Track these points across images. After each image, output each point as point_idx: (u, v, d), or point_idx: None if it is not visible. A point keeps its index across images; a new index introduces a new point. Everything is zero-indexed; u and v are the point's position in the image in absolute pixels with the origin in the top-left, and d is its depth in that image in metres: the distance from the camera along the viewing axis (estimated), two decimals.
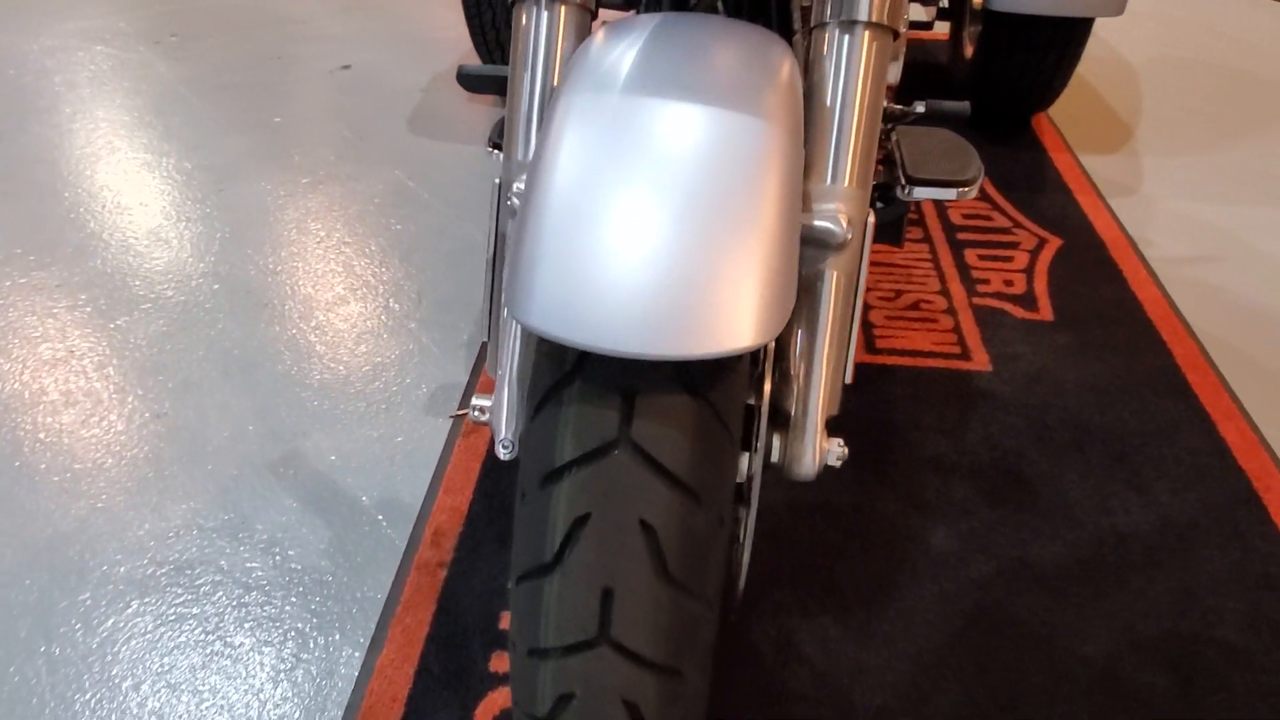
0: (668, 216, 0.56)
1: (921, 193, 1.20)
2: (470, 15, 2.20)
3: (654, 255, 0.54)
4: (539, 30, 0.83)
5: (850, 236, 0.80)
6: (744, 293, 0.55)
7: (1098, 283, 1.72)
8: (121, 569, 1.16)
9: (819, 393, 0.81)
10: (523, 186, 0.82)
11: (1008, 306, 1.65)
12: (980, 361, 1.52)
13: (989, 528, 1.23)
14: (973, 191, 1.31)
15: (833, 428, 0.84)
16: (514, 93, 0.84)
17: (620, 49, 0.71)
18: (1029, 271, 1.75)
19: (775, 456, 0.81)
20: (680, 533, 0.54)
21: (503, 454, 0.83)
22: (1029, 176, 2.07)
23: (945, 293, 1.68)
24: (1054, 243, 1.83)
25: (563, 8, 0.82)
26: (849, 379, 0.86)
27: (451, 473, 1.30)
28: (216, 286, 1.69)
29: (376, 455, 1.33)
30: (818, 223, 0.78)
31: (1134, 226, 1.90)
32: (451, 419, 1.40)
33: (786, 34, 1.08)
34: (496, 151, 1.36)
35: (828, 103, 0.81)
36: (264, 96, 2.39)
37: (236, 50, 2.66)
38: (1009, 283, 1.71)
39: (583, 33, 0.84)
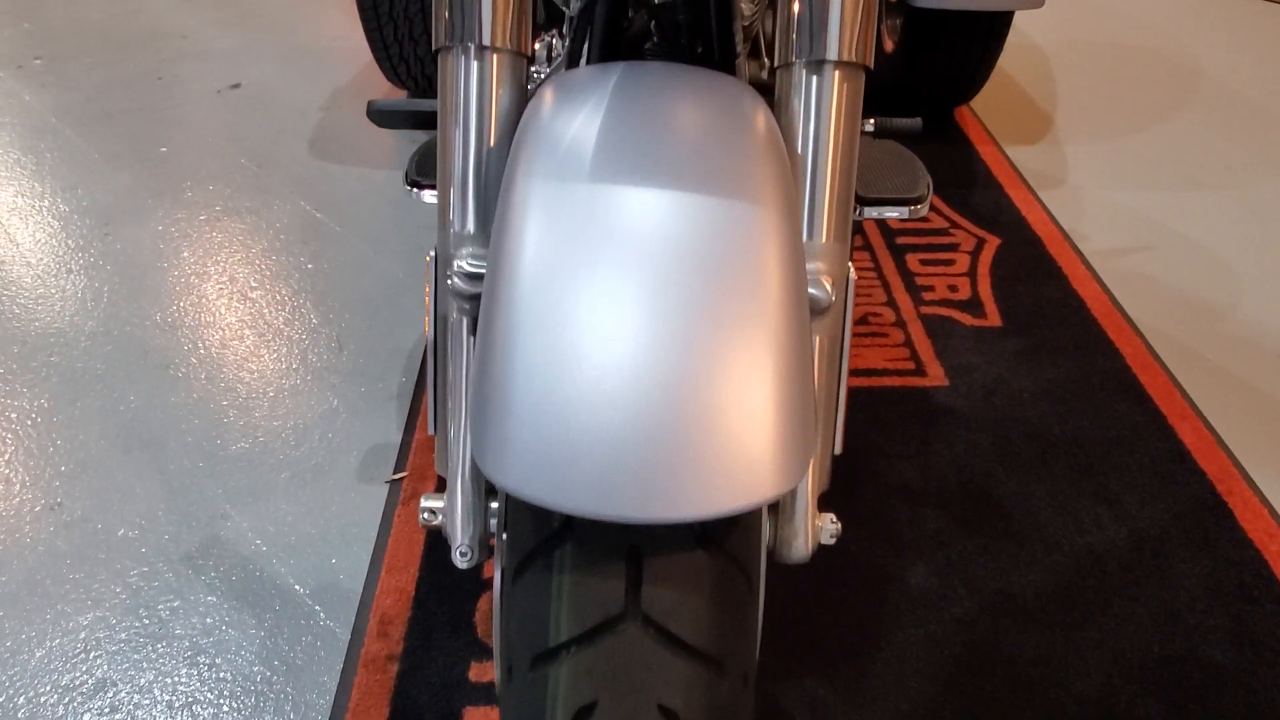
0: (665, 346, 0.46)
1: (870, 212, 1.14)
2: (370, 29, 2.05)
3: (652, 395, 0.45)
4: (469, 81, 0.72)
5: (834, 299, 0.72)
6: (763, 431, 0.46)
7: (1039, 282, 1.70)
8: (20, 702, 1.02)
9: (809, 470, 0.74)
10: (465, 267, 0.72)
11: (956, 314, 1.61)
12: (936, 376, 1.48)
13: (966, 559, 1.19)
14: (924, 209, 1.25)
15: (823, 502, 0.77)
16: (445, 153, 0.73)
17: (579, 117, 0.61)
18: (972, 275, 1.71)
19: (766, 541, 0.74)
20: (704, 708, 0.46)
21: (461, 563, 0.73)
22: (959, 173, 2.05)
23: (892, 304, 1.64)
24: (993, 242, 1.81)
25: (495, 56, 0.72)
26: (838, 449, 0.79)
27: (394, 548, 1.19)
28: (109, 348, 1.52)
29: (307, 534, 1.21)
30: None
31: (1067, 220, 1.89)
32: (387, 484, 1.29)
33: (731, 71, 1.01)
34: (416, 190, 1.25)
35: (799, 150, 0.73)
36: (147, 124, 2.20)
37: (112, 72, 2.44)
38: (954, 288, 1.68)
39: (518, 81, 0.74)
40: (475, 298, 0.72)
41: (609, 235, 0.50)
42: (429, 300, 0.78)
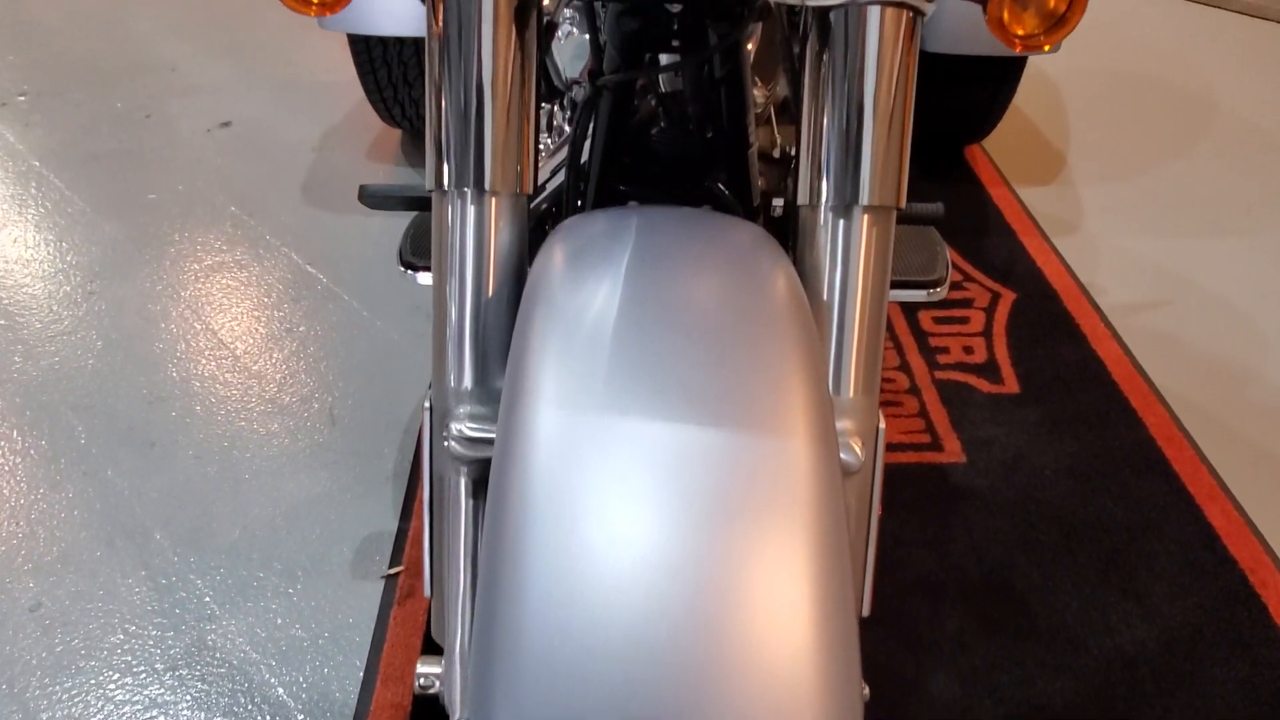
0: (697, 593, 0.43)
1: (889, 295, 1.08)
2: (364, 72, 1.99)
3: (681, 643, 0.41)
4: (467, 227, 0.66)
5: (863, 460, 0.67)
6: (805, 692, 0.42)
7: (1058, 342, 1.64)
8: None
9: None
10: (465, 431, 0.66)
11: (972, 379, 1.56)
12: (953, 450, 1.42)
13: (991, 665, 1.13)
14: (943, 292, 1.20)
15: None
16: (440, 302, 0.68)
17: (593, 287, 0.56)
18: (987, 334, 1.66)
19: None
20: None
21: None
22: (972, 218, 1.99)
23: (906, 368, 1.58)
24: (1008, 297, 1.75)
25: (495, 199, 0.66)
26: (866, 611, 0.73)
27: (389, 655, 1.13)
28: (93, 423, 1.46)
29: (298, 639, 1.16)
30: None
31: (1084, 271, 1.83)
32: (383, 579, 1.23)
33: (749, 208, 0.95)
34: (410, 272, 1.19)
35: (823, 297, 0.67)
36: (134, 167, 2.13)
37: (99, 109, 2.37)
38: (969, 350, 1.62)
39: (519, 222, 0.68)
40: (475, 462, 0.67)
41: (628, 439, 0.47)
42: (424, 451, 0.72)
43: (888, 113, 0.64)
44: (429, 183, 0.67)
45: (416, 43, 1.93)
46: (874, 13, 0.63)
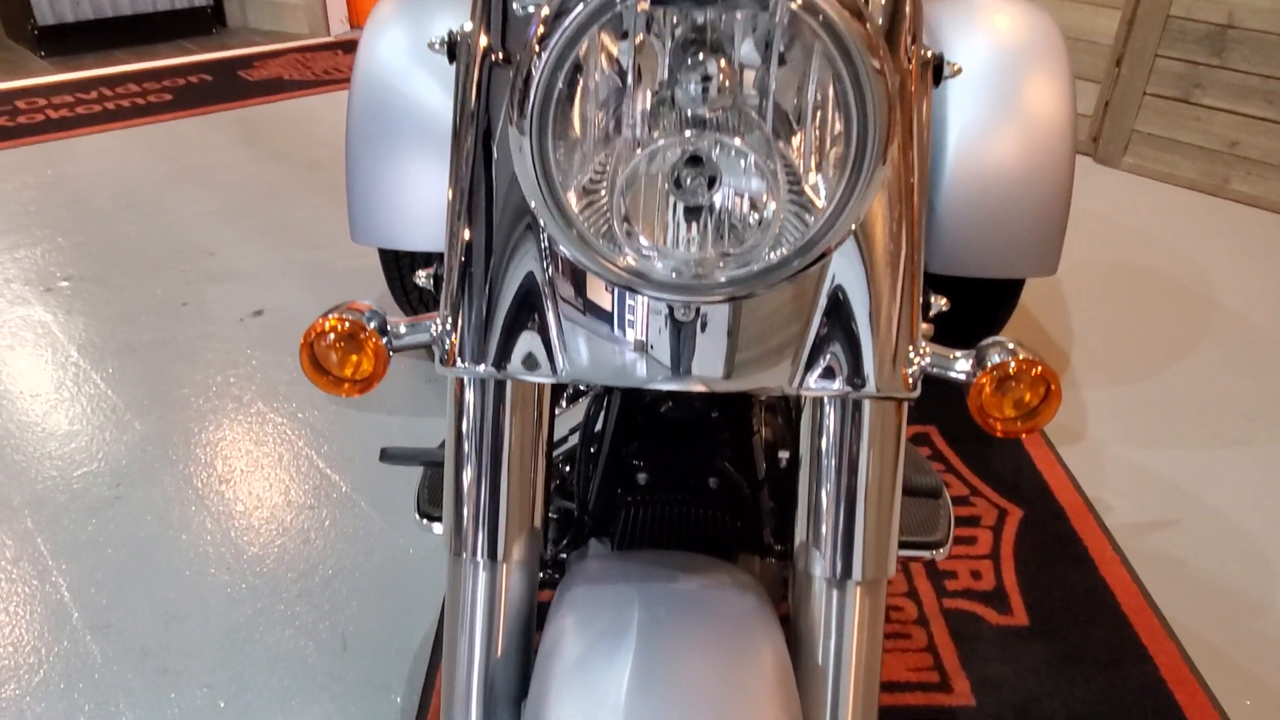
0: None
1: None
2: (390, 275, 2.10)
3: None
4: (479, 593, 0.71)
5: None
6: None
7: (1066, 567, 1.65)
8: None
9: None
10: None
11: (980, 609, 1.56)
12: (962, 691, 1.42)
13: None
14: (945, 552, 1.22)
15: None
16: (450, 662, 0.71)
17: (601, 691, 0.61)
18: (995, 557, 1.67)
19: None
20: None
21: None
22: (976, 425, 2.02)
23: (914, 594, 1.59)
24: (1015, 514, 1.77)
25: (507, 567, 0.71)
26: None
27: None
28: (107, 646, 1.49)
29: None
30: None
31: (1090, 485, 1.85)
32: None
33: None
34: (427, 521, 1.23)
35: (819, 661, 0.70)
36: (168, 359, 2.22)
37: (139, 296, 2.49)
38: (977, 574, 1.63)
39: (529, 589, 0.72)
40: None
41: None
42: None
43: (878, 494, 0.69)
44: (448, 544, 0.72)
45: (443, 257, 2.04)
46: (866, 404, 0.68)
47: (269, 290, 2.53)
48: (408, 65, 1.79)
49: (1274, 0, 2.91)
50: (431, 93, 1.73)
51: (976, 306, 2.03)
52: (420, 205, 1.75)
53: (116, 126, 3.64)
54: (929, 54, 0.72)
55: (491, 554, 0.70)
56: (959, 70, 0.83)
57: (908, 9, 0.65)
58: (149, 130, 3.62)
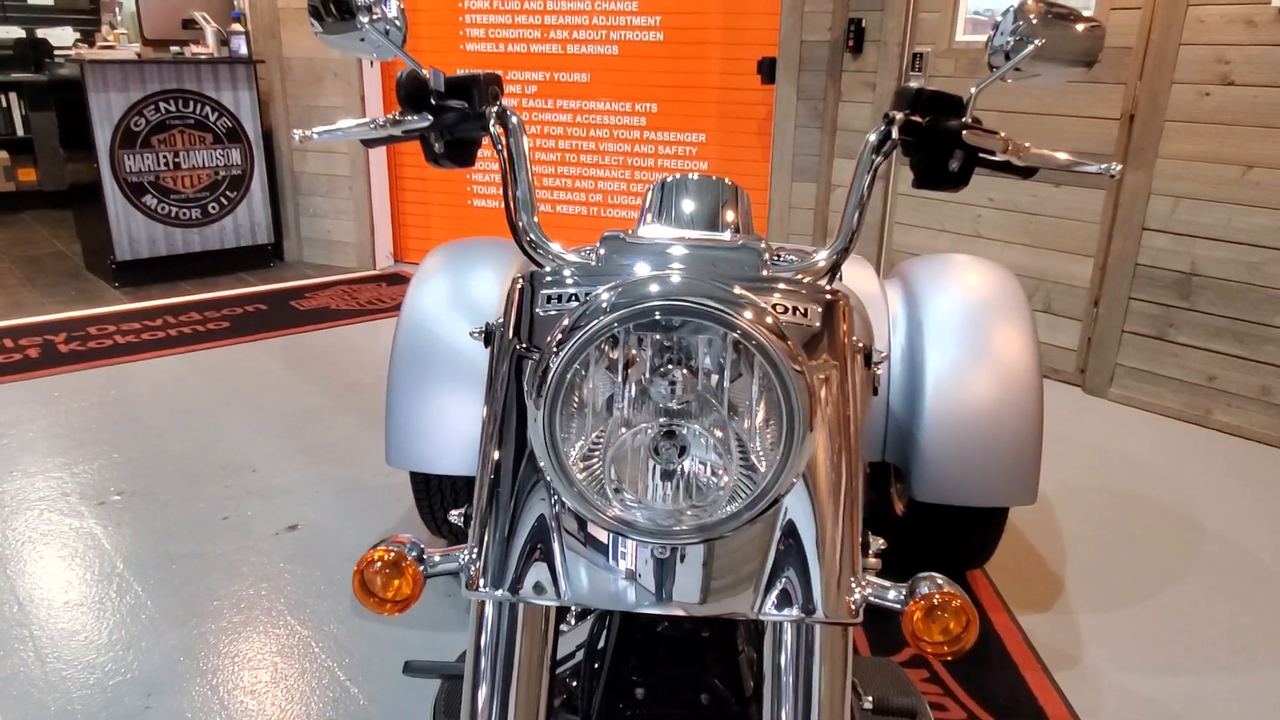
0: None
1: None
2: (419, 497, 2.27)
3: None
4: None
5: None
6: None
7: None
8: None
9: None
10: None
11: None
12: None
13: None
14: None
15: None
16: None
17: None
18: None
19: None
20: None
21: None
22: (975, 647, 2.09)
23: None
24: None
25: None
26: None
27: None
28: None
29: None
30: None
31: (1085, 712, 1.89)
32: None
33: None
34: None
35: None
36: (205, 572, 2.37)
37: (182, 511, 2.67)
38: None
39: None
40: None
41: None
42: None
43: (829, 708, 0.81)
44: None
45: (467, 481, 2.22)
46: (818, 629, 0.82)
47: (304, 505, 2.70)
48: (448, 313, 2.07)
49: (1232, 251, 3.22)
50: (465, 340, 1.99)
51: (964, 535, 2.16)
52: (449, 436, 1.96)
53: (177, 351, 3.98)
54: (860, 344, 0.93)
55: None
56: (886, 356, 1.03)
57: (843, 316, 0.86)
58: (206, 355, 3.96)
